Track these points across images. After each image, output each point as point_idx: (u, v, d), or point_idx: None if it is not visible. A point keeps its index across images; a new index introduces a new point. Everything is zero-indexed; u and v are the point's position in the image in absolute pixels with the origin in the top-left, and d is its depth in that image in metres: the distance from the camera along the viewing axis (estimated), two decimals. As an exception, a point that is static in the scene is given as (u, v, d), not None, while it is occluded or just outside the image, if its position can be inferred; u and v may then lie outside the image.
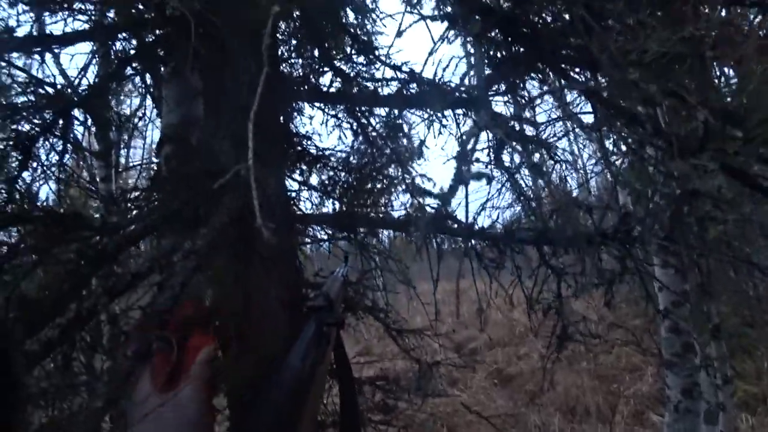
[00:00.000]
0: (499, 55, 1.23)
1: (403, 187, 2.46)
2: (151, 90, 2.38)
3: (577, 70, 1.22)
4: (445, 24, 1.21)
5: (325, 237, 1.69)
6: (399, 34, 1.28)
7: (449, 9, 1.12)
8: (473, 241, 1.36)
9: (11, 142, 1.79)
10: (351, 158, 2.71)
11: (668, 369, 3.10)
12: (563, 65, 1.18)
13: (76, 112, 1.99)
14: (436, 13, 1.19)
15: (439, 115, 1.77)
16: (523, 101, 1.50)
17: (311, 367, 0.53)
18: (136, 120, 2.77)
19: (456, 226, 1.34)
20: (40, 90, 1.88)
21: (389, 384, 1.92)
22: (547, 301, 1.44)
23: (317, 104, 2.51)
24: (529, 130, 2.42)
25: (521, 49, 1.17)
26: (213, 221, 1.13)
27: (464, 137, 1.63)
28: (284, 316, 1.33)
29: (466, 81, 1.40)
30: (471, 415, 4.65)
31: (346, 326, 1.95)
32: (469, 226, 1.32)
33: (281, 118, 2.29)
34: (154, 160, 2.10)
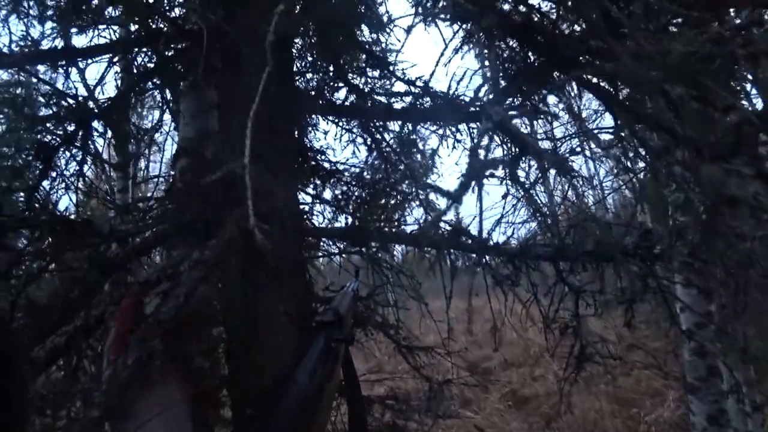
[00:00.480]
0: (513, 64, 1.21)
1: (417, 202, 2.44)
2: (170, 104, 2.43)
3: (594, 81, 1.20)
4: (459, 34, 1.20)
5: (336, 251, 1.67)
6: (408, 30, 1.27)
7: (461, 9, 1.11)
8: (487, 257, 1.32)
9: (33, 152, 1.83)
10: (365, 173, 2.71)
11: (692, 394, 2.96)
12: (581, 74, 1.16)
13: (96, 124, 2.03)
14: (448, 15, 1.18)
15: (453, 129, 1.75)
16: (540, 115, 1.48)
17: (319, 383, 0.50)
18: (154, 133, 2.83)
19: (470, 241, 1.31)
20: (63, 102, 1.93)
21: (399, 403, 1.87)
22: (564, 320, 1.39)
23: (331, 118, 2.53)
24: (546, 144, 2.39)
25: (537, 58, 1.16)
26: (222, 233, 1.13)
27: (477, 135, 1.60)
28: (292, 330, 1.31)
29: (481, 93, 1.38)
30: (485, 438, 4.52)
31: (356, 343, 1.92)
32: (483, 242, 1.29)
33: (295, 132, 2.31)
34: (171, 173, 2.13)
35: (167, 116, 2.55)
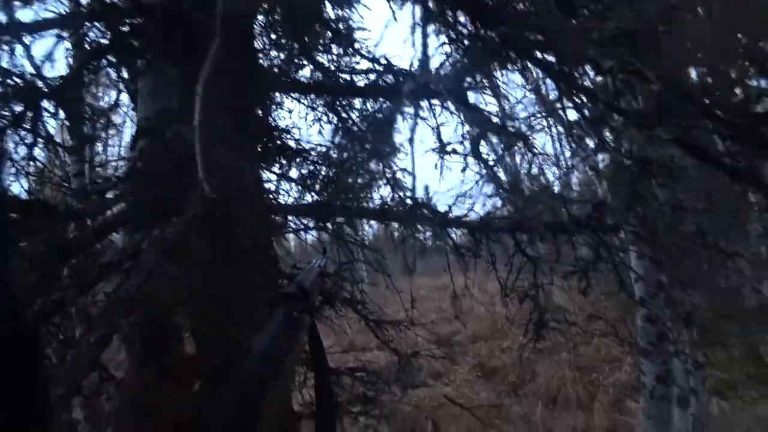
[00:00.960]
0: (466, 39, 1.24)
1: (384, 181, 2.47)
2: (127, 83, 2.33)
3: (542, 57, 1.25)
4: (418, 12, 1.21)
5: (302, 227, 1.68)
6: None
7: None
8: (449, 231, 1.37)
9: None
10: (331, 152, 2.70)
11: (644, 357, 3.18)
12: (532, 50, 1.20)
13: (47, 104, 1.93)
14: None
15: (416, 105, 1.77)
16: (498, 93, 1.52)
17: (278, 353, 0.52)
18: (111, 113, 2.71)
19: (431, 214, 1.35)
20: (8, 81, 1.82)
21: (369, 375, 1.93)
22: (524, 289, 1.46)
23: (296, 96, 2.50)
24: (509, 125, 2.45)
25: (489, 33, 1.19)
26: (185, 211, 1.12)
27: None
28: (261, 306, 1.32)
29: (442, 71, 1.41)
30: (455, 408, 4.70)
31: (324, 319, 1.95)
32: (444, 215, 1.33)
33: (259, 110, 2.27)
34: (130, 154, 2.05)
35: (125, 96, 2.44)
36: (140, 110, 2.05)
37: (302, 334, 0.63)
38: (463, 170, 1.17)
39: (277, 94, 2.45)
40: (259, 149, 1.59)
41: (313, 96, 2.50)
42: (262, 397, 0.44)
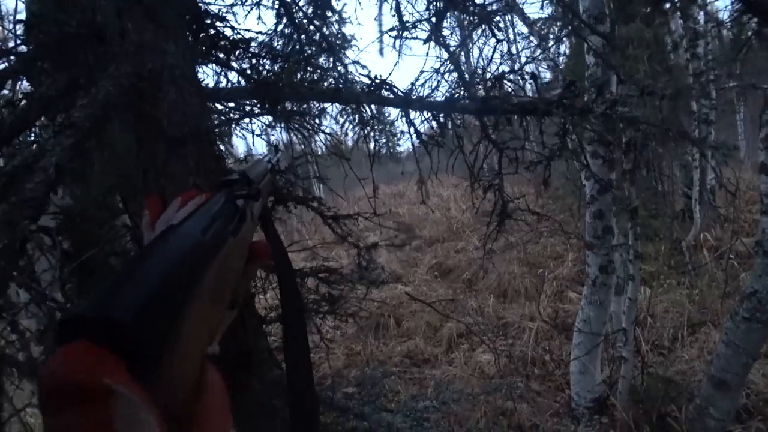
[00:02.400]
0: None
1: (336, 75, 2.22)
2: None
3: None
4: None
5: (246, 114, 1.48)
6: None
7: None
8: (411, 112, 1.25)
9: None
10: (274, 43, 2.37)
11: (589, 250, 3.40)
12: None
13: None
14: None
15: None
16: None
17: (215, 239, 0.39)
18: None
19: (392, 95, 1.21)
20: None
21: (332, 275, 1.91)
22: (488, 179, 1.41)
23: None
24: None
25: None
26: (95, 92, 0.91)
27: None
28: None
29: None
30: (415, 305, 5.00)
31: (277, 219, 1.85)
32: (406, 95, 1.19)
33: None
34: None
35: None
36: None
37: (247, 222, 0.52)
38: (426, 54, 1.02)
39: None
40: (182, 22, 1.32)
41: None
42: (192, 287, 0.33)
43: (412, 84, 1.20)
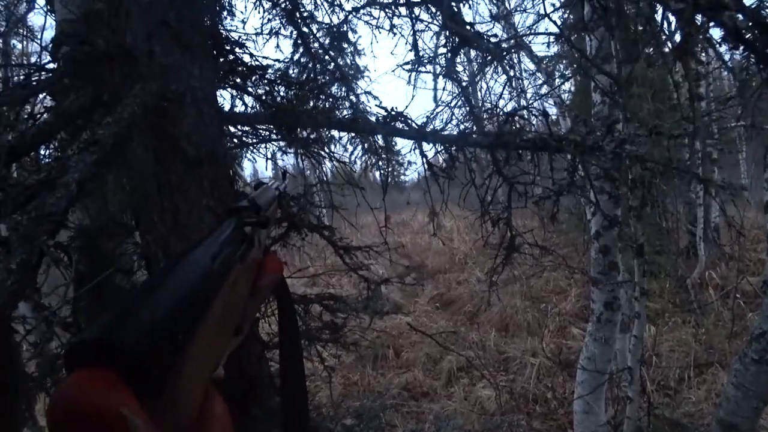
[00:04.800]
0: None
1: (348, 104, 2.27)
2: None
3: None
4: None
5: (262, 141, 1.51)
6: None
7: None
8: (425, 144, 1.27)
9: None
10: (290, 71, 2.44)
11: (594, 286, 3.37)
12: None
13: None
14: None
15: (390, 12, 1.58)
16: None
17: (223, 267, 0.40)
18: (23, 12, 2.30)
19: (407, 128, 1.23)
20: None
21: (337, 303, 1.89)
22: (497, 212, 1.41)
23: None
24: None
25: None
26: (120, 110, 0.94)
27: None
28: (211, 222, 1.19)
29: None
30: (415, 336, 4.92)
31: (290, 246, 1.85)
32: (421, 128, 1.22)
33: (207, 15, 1.98)
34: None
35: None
36: (59, 12, 1.73)
37: (254, 249, 0.53)
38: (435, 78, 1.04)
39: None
40: (207, 48, 1.36)
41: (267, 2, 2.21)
42: (199, 313, 0.33)
43: (428, 117, 1.23)
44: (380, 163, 1.48)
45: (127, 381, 0.24)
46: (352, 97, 2.37)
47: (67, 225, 0.86)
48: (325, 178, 1.66)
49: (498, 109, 1.62)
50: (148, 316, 0.27)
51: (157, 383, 0.25)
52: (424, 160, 1.30)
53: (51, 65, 1.55)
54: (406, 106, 1.13)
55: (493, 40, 1.47)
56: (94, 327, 0.26)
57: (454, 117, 1.77)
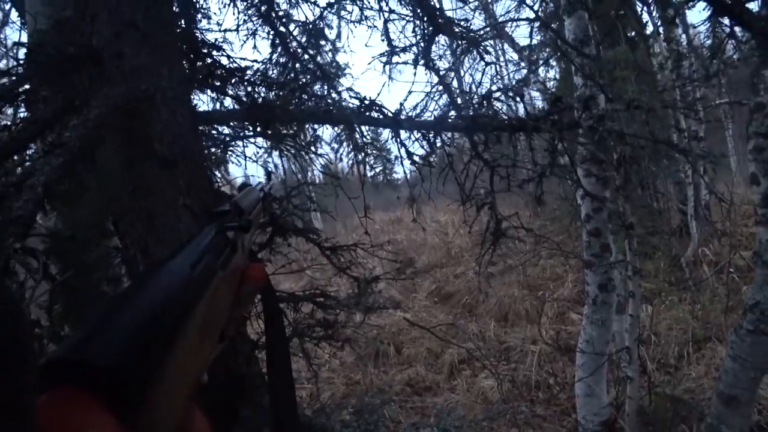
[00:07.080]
0: None
1: (329, 103, 2.26)
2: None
3: None
4: None
5: (239, 137, 1.49)
6: None
7: None
8: (402, 132, 1.26)
9: None
10: (269, 72, 2.42)
11: (587, 268, 3.38)
12: None
13: None
14: None
15: (361, 3, 1.57)
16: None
17: (204, 274, 0.39)
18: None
19: (382, 116, 1.22)
20: None
21: (328, 300, 1.88)
22: (480, 197, 1.41)
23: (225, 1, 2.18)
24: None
25: None
26: (88, 112, 0.92)
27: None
28: (195, 227, 1.18)
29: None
30: (415, 332, 4.92)
31: (274, 249, 1.83)
32: (395, 115, 1.21)
33: (182, 18, 1.96)
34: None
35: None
36: (29, 24, 1.71)
37: (237, 254, 0.51)
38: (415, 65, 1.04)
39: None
40: (178, 48, 1.35)
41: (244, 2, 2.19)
42: (180, 322, 0.32)
43: (401, 104, 1.22)
44: (367, 159, 1.47)
45: (101, 398, 0.22)
46: (334, 95, 2.36)
47: (34, 229, 0.85)
48: (309, 178, 1.65)
49: (474, 93, 1.61)
50: (120, 328, 0.26)
51: (134, 397, 0.24)
52: (403, 150, 1.30)
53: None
54: (378, 95, 1.13)
55: (465, 26, 1.47)
56: (62, 345, 0.25)
57: (435, 105, 1.76)
